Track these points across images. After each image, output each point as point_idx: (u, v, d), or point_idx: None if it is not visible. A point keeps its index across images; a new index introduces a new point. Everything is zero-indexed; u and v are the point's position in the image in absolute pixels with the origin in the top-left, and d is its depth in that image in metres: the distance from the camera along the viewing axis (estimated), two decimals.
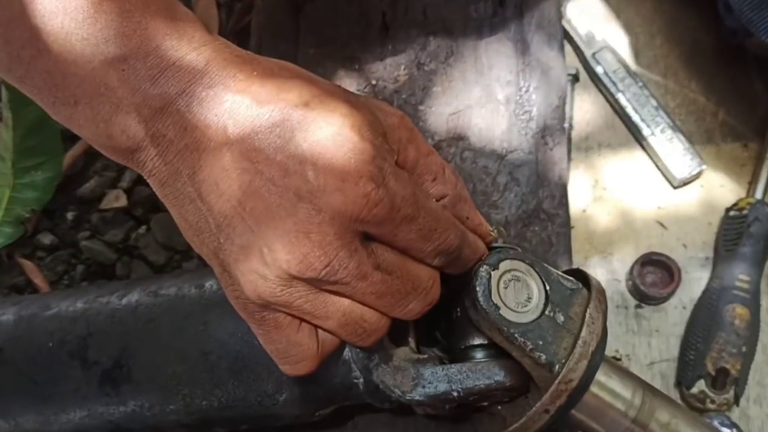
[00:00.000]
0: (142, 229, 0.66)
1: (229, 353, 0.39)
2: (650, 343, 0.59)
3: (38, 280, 0.65)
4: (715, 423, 0.54)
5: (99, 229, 0.66)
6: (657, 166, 0.63)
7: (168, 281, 0.41)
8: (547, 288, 0.36)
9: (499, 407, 0.40)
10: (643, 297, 0.58)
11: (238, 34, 0.68)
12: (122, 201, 0.66)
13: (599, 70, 0.64)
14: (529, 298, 0.36)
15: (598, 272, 0.61)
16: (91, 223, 0.66)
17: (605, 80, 0.63)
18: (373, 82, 0.60)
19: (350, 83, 0.60)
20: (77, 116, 0.31)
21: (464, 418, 0.44)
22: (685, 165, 0.60)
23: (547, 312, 0.36)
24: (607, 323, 0.60)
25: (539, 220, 0.55)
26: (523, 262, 0.36)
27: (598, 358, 0.36)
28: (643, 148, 0.63)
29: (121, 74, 0.29)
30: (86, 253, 0.66)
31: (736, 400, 0.55)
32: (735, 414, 0.57)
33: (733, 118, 0.65)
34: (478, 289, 0.35)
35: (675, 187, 0.62)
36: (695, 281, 0.60)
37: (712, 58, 0.66)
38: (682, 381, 0.56)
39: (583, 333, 0.35)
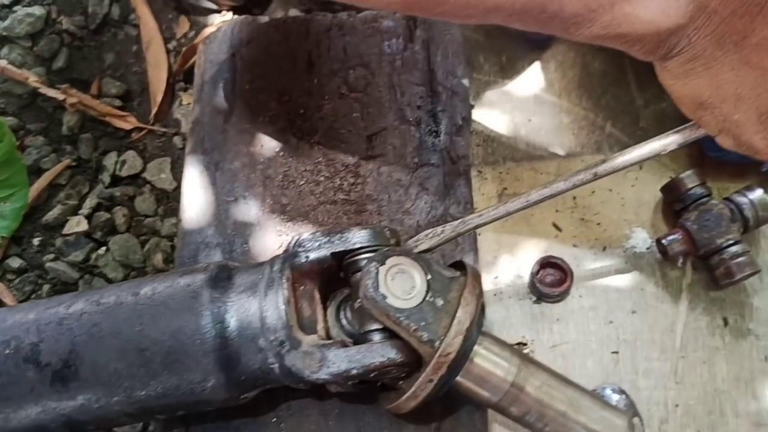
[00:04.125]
0: (102, 249, 0.69)
1: (162, 349, 0.42)
2: (552, 328, 0.64)
3: (8, 299, 0.68)
4: (607, 391, 0.58)
5: (63, 251, 0.69)
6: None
7: (109, 291, 0.45)
8: (429, 278, 0.40)
9: (401, 382, 0.44)
10: (541, 295, 0.63)
11: (185, 74, 0.72)
12: (83, 226, 0.69)
13: None
14: (413, 287, 0.40)
15: (505, 269, 0.65)
16: (56, 247, 0.69)
17: None
18: (301, 111, 0.64)
19: (281, 112, 0.64)
20: (615, 19, 0.30)
21: (376, 398, 0.48)
22: None
23: (428, 298, 0.40)
24: (514, 313, 0.64)
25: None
26: (408, 257, 0.41)
27: (474, 333, 0.40)
28: None
29: None
30: (51, 274, 0.68)
31: None
32: (626, 385, 0.61)
33: (619, 131, 0.70)
34: (367, 282, 0.39)
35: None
36: (589, 272, 0.65)
37: (599, 79, 0.72)
38: None
39: (459, 313, 0.40)
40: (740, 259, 0.59)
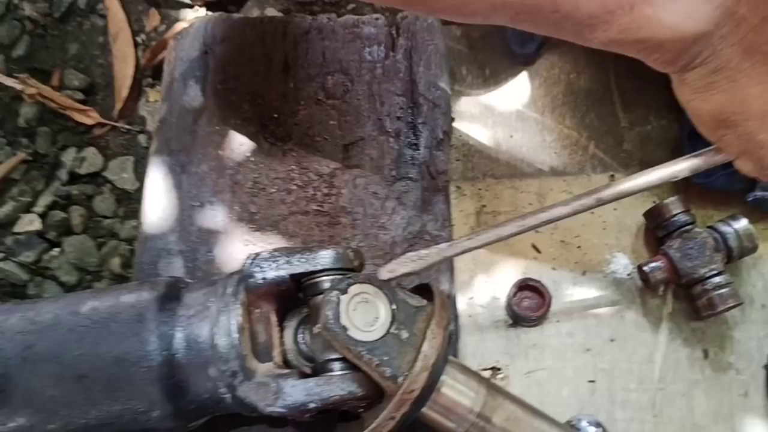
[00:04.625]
0: (55, 251, 0.65)
1: (103, 376, 0.39)
2: (527, 354, 0.61)
3: None
4: (583, 423, 0.56)
5: (13, 251, 0.65)
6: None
7: (45, 307, 0.41)
8: (394, 308, 0.37)
9: (361, 410, 0.41)
10: (517, 318, 0.60)
11: (153, 69, 0.69)
12: (36, 224, 0.65)
13: None
14: (376, 318, 0.37)
15: (481, 290, 0.63)
16: (5, 246, 0.65)
17: None
18: (275, 115, 0.61)
19: (254, 116, 0.61)
20: (634, 22, 0.27)
21: (334, 427, 0.45)
22: None
23: (392, 330, 0.37)
24: (488, 336, 0.62)
25: (423, 240, 0.57)
26: (372, 284, 0.38)
27: (439, 367, 0.37)
28: None
29: None
30: None
31: None
32: (602, 416, 0.59)
33: (602, 152, 0.68)
34: (327, 313, 0.36)
35: None
36: (567, 297, 0.62)
37: (584, 98, 0.70)
38: None
39: (424, 347, 0.37)
40: (723, 290, 0.57)
